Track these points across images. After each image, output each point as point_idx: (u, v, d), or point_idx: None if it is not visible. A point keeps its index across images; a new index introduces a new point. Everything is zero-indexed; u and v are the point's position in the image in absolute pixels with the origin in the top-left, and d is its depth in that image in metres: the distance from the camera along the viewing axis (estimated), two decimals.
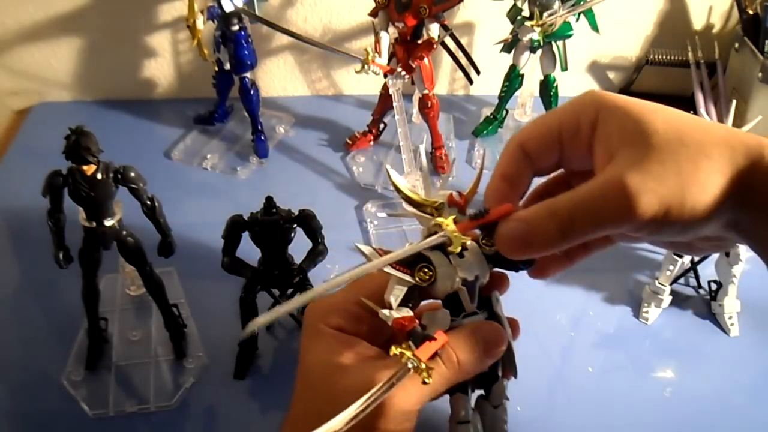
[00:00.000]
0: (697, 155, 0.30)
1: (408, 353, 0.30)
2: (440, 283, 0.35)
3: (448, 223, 0.33)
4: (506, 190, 0.35)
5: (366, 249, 0.34)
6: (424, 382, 0.30)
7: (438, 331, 0.33)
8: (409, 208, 0.36)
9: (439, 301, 0.36)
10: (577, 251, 0.39)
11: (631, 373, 0.65)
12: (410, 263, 0.34)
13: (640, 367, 0.66)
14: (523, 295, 0.72)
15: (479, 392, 0.36)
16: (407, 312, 0.34)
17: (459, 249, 0.32)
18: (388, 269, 0.34)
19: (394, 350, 0.30)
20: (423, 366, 0.30)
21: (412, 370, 0.30)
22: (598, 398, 0.63)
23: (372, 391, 0.29)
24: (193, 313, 0.68)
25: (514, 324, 0.37)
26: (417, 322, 0.33)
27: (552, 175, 0.38)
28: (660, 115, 0.31)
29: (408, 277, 0.34)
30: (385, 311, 0.33)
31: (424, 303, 0.36)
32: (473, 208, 0.35)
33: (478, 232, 0.35)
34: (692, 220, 0.30)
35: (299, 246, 0.60)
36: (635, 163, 0.30)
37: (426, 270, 0.34)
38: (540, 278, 0.38)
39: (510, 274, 0.37)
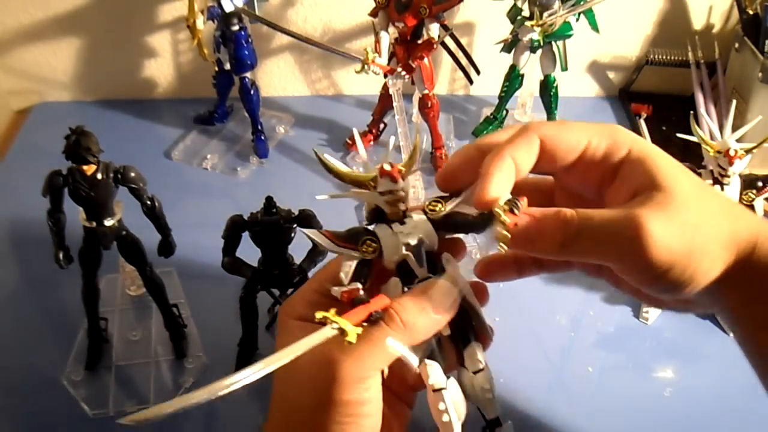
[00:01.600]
0: (712, 223, 0.31)
1: (332, 317, 0.30)
2: (386, 253, 0.35)
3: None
4: (510, 174, 0.34)
5: (310, 232, 0.36)
6: (349, 343, 0.30)
7: (379, 295, 0.33)
8: (355, 189, 0.37)
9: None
10: (529, 267, 0.39)
11: (631, 373, 0.65)
12: (355, 238, 0.36)
13: (640, 367, 0.66)
14: (523, 295, 0.72)
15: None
16: (354, 285, 0.34)
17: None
18: (333, 246, 0.35)
19: (318, 315, 0.30)
20: (346, 328, 0.30)
21: (336, 332, 0.29)
22: (598, 398, 0.63)
23: (283, 351, 0.28)
24: (193, 313, 0.68)
25: (480, 289, 0.38)
26: (360, 292, 0.34)
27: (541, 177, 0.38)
28: (687, 177, 0.33)
29: (354, 253, 0.35)
30: (335, 288, 0.34)
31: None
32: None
33: (423, 199, 0.35)
34: (686, 284, 0.32)
35: (299, 246, 0.60)
36: (660, 210, 0.31)
37: (369, 242, 0.35)
38: (484, 280, 0.39)
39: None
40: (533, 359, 0.65)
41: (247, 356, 0.63)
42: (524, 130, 0.35)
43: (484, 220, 0.34)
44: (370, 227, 0.37)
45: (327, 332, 0.29)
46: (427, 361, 0.34)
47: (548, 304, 0.71)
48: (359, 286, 0.34)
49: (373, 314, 0.32)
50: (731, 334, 0.67)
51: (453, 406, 0.33)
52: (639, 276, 0.32)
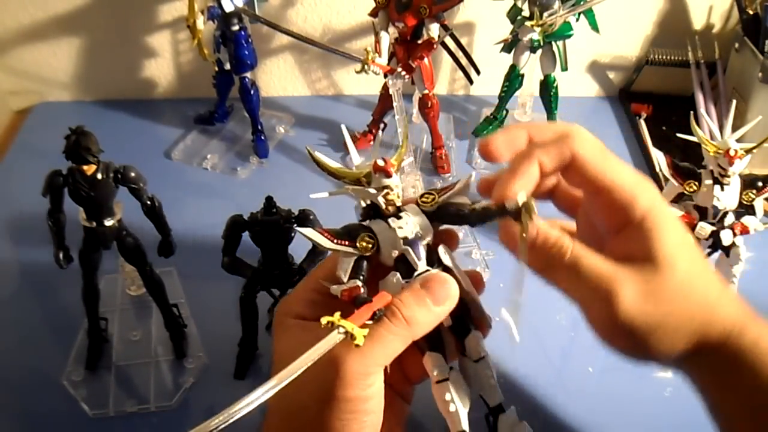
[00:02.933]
0: (688, 311, 0.33)
1: (338, 321, 0.30)
2: (384, 248, 0.35)
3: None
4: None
5: (307, 231, 0.35)
6: (356, 346, 0.30)
7: (380, 293, 0.33)
8: (350, 186, 0.37)
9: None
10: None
11: (631, 373, 0.65)
12: (352, 235, 0.35)
13: (640, 367, 0.66)
14: (523, 295, 0.72)
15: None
16: (354, 283, 0.34)
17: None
18: (331, 245, 0.35)
19: (323, 321, 0.30)
20: (353, 331, 0.30)
21: (343, 336, 0.30)
22: (598, 398, 0.63)
23: (294, 363, 0.28)
24: (193, 313, 0.68)
25: (476, 277, 0.38)
26: (361, 290, 0.34)
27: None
28: (686, 258, 0.34)
29: (351, 249, 0.35)
30: (335, 286, 0.34)
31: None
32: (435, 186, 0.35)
33: (417, 192, 0.35)
34: (642, 356, 0.34)
35: (299, 246, 0.60)
36: (643, 285, 0.33)
37: (367, 238, 0.35)
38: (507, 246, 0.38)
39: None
40: (533, 359, 0.65)
41: (247, 356, 0.63)
42: (564, 137, 0.35)
43: (486, 214, 0.34)
44: (365, 223, 0.37)
45: (335, 337, 0.29)
46: (429, 353, 0.34)
47: (548, 304, 0.71)
48: (359, 283, 0.34)
49: (376, 312, 0.32)
50: None
51: (457, 395, 0.34)
52: (600, 330, 0.34)
